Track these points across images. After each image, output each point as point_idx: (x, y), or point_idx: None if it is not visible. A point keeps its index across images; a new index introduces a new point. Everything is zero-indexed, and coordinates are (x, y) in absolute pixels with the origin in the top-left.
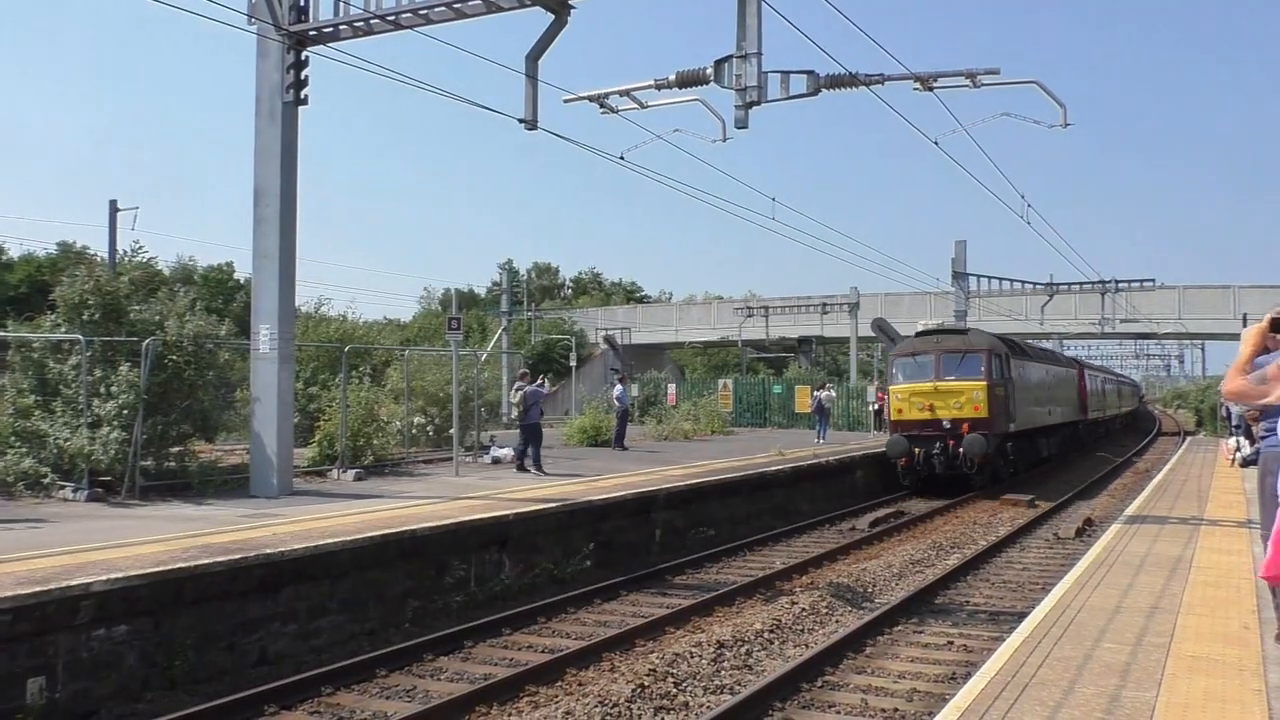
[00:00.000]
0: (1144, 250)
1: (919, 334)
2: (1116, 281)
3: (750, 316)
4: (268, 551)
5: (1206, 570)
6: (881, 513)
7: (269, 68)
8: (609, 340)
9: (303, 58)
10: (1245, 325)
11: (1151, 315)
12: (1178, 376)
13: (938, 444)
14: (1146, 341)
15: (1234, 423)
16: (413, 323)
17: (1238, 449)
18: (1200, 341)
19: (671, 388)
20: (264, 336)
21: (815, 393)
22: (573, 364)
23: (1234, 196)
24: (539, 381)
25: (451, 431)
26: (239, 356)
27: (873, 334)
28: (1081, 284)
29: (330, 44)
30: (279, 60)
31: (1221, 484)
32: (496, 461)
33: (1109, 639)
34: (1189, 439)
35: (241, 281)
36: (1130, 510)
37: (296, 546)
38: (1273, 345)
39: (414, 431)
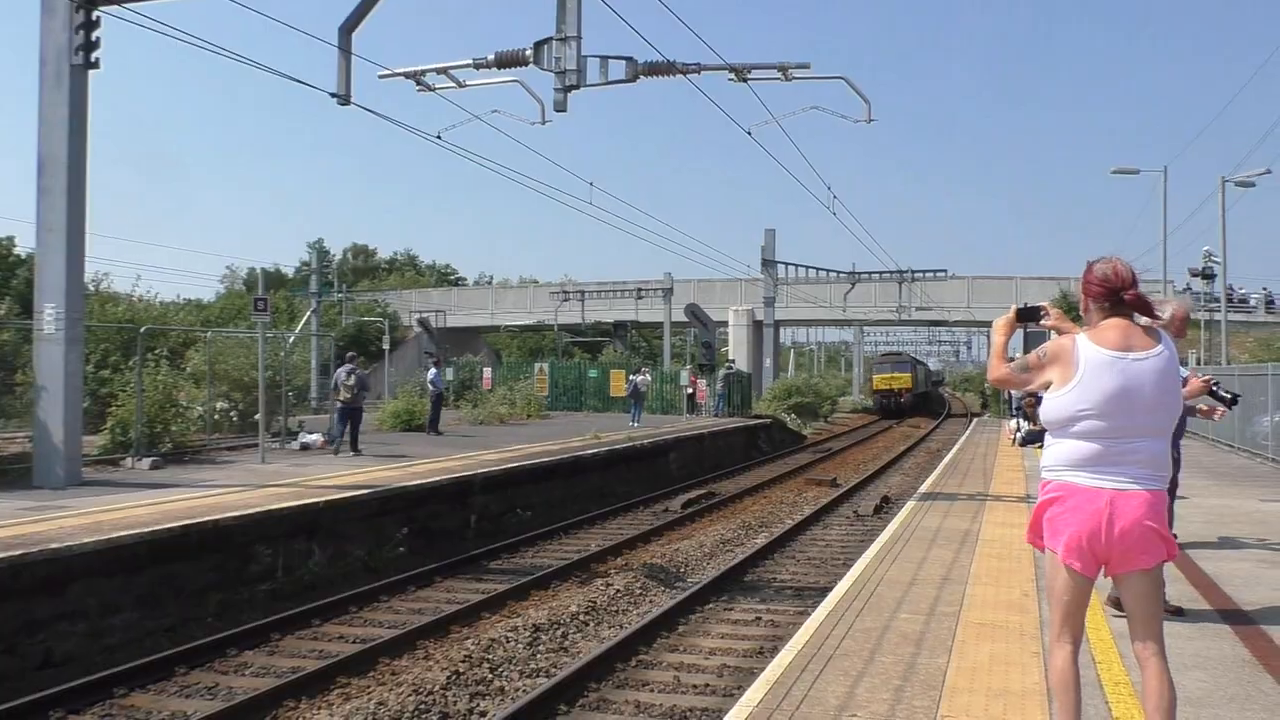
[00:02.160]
0: (937, 243)
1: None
2: (913, 271)
3: (566, 300)
4: (53, 546)
5: (991, 544)
6: (694, 494)
7: (56, 26)
8: (423, 323)
9: (94, 17)
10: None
11: (944, 304)
12: (966, 362)
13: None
14: (939, 328)
15: (1014, 406)
16: (215, 304)
17: (1017, 429)
18: (986, 329)
19: (487, 372)
20: (49, 316)
21: (631, 377)
22: (386, 347)
23: (1016, 195)
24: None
25: (257, 417)
26: (21, 337)
27: (686, 319)
28: (881, 273)
29: (125, 4)
30: (67, 19)
31: (1004, 462)
32: (306, 447)
33: (906, 609)
34: (975, 420)
35: (23, 256)
36: (924, 488)
37: (85, 540)
38: (1060, 330)
39: (217, 417)
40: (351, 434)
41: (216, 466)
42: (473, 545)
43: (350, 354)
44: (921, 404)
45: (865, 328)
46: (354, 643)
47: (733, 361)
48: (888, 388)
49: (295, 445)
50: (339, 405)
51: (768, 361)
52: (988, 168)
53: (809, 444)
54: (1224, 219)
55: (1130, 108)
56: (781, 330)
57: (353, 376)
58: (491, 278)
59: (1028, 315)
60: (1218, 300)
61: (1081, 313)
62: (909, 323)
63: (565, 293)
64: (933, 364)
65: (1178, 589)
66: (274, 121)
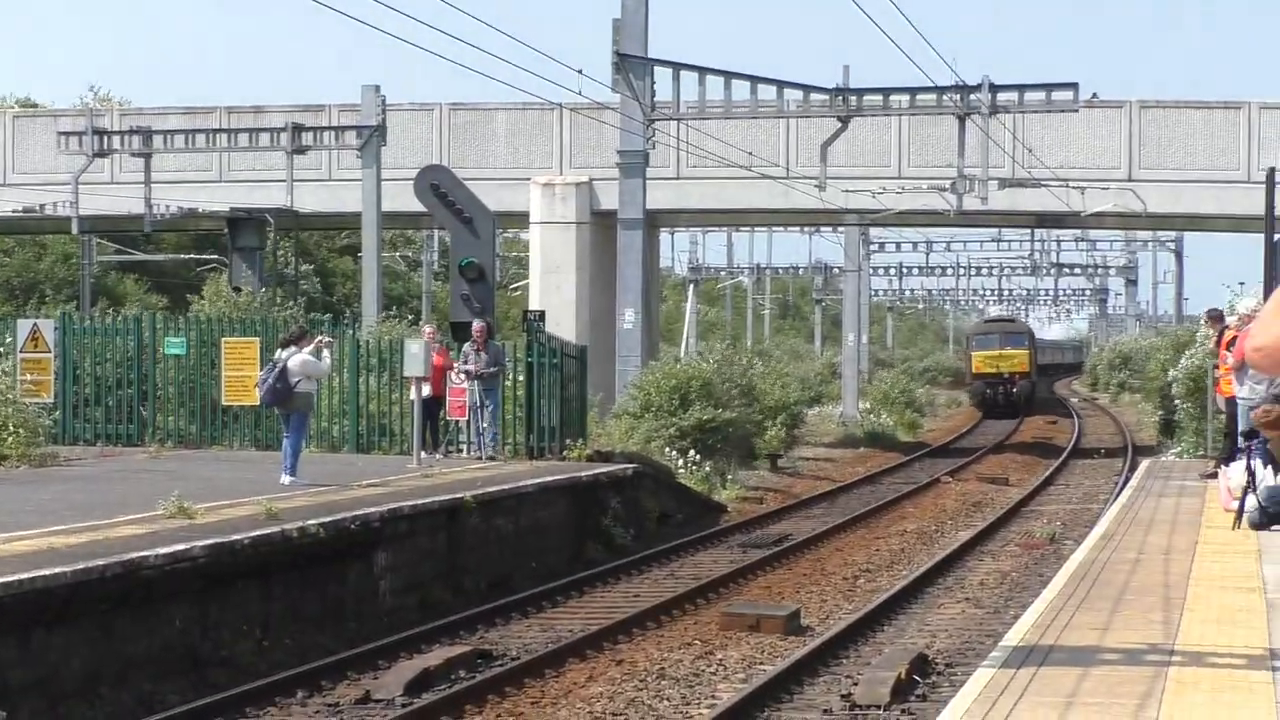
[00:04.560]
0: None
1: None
2: (994, 88)
3: (106, 156)
4: None
5: None
6: (435, 662)
7: None
8: None
9: None
10: None
11: (1073, 170)
12: (1121, 321)
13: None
14: (1057, 231)
15: (1241, 433)
16: None
17: (1248, 488)
18: (1178, 234)
19: None
20: None
21: (279, 354)
22: None
23: None
24: None
25: None
26: None
27: (425, 208)
28: (916, 92)
29: None
30: None
31: (1214, 568)
32: None
33: None
34: (1143, 463)
35: None
36: (1015, 633)
37: None
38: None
39: None
40: None
41: None
42: None
43: None
44: (1030, 399)
45: (871, 228)
46: None
47: (538, 317)
48: (993, 371)
49: None
50: None
51: (627, 319)
52: None
53: (736, 520)
54: None
55: None
56: (677, 243)
57: None
58: None
59: None
60: None
61: None
62: (980, 221)
63: (100, 135)
64: (1052, 332)
65: None
66: None
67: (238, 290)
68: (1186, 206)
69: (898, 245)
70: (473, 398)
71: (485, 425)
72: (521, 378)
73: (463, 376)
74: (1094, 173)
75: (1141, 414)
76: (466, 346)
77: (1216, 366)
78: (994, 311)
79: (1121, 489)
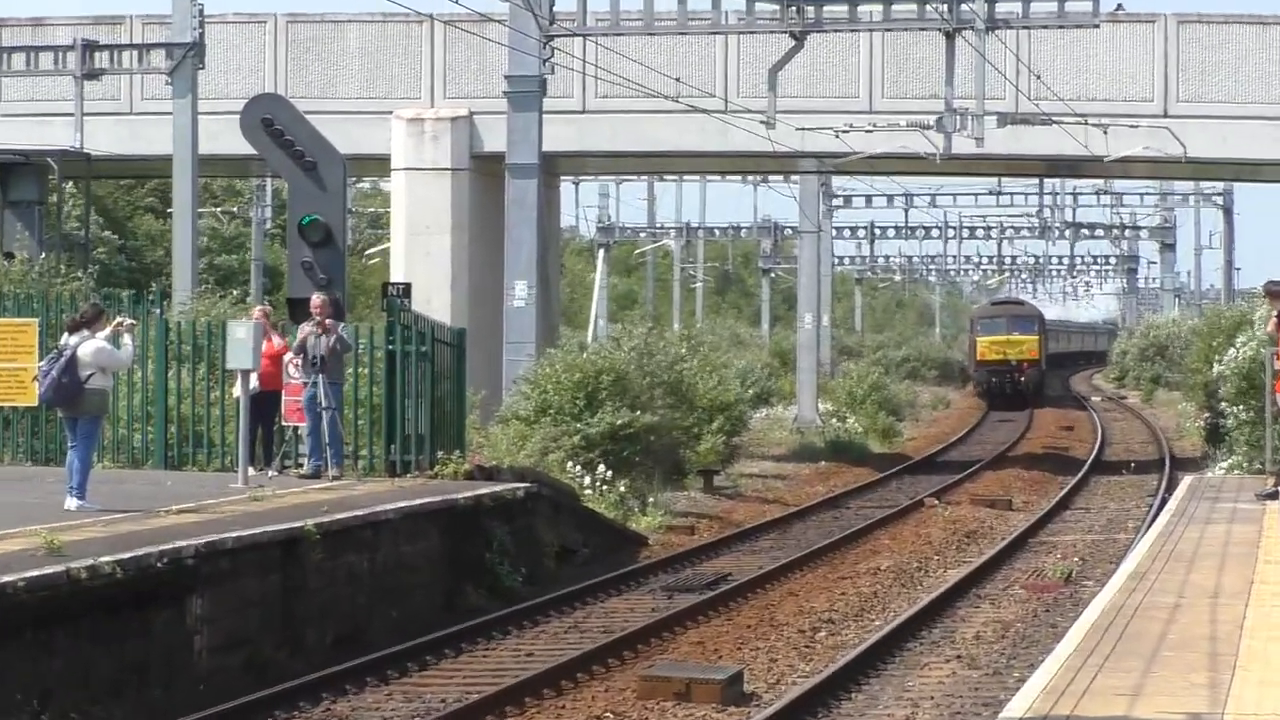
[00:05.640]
0: None
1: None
2: None
3: None
4: None
5: None
6: None
7: None
8: None
9: None
10: None
11: (1093, 103)
12: (1154, 297)
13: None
14: (1082, 182)
15: None
16: None
17: None
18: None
19: None
20: None
21: (67, 340)
22: None
23: None
24: None
25: None
26: None
27: (253, 149)
28: None
29: None
30: None
31: (1272, 614)
32: None
33: None
34: (1184, 480)
35: None
36: (1021, 702)
37: None
38: None
39: None
40: None
41: None
42: None
43: None
44: (1040, 389)
45: (834, 177)
46: None
47: (402, 292)
48: (1000, 358)
49: None
50: None
51: (518, 295)
52: None
53: (660, 556)
54: None
55: None
56: (584, 195)
57: None
58: None
59: None
60: None
61: None
62: (974, 168)
63: None
64: (1068, 313)
65: None
66: None
67: (9, 256)
68: (1237, 150)
69: (868, 200)
70: (321, 398)
71: (328, 433)
72: (380, 371)
73: (299, 367)
74: (1120, 106)
75: (1181, 417)
76: (305, 327)
77: (1277, 355)
78: (993, 283)
79: (1156, 514)
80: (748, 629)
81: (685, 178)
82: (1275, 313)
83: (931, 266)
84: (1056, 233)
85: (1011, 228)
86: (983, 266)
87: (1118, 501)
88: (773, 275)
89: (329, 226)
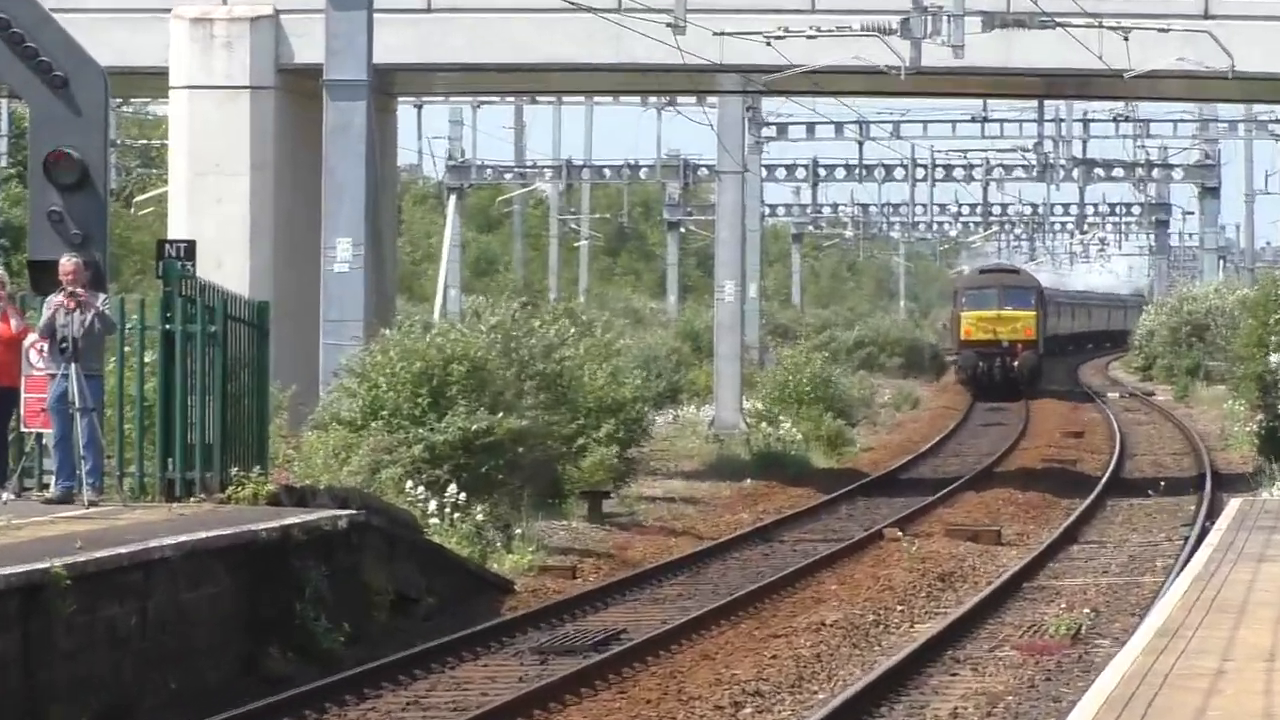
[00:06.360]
0: None
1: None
2: None
3: None
4: None
5: None
6: None
7: None
8: None
9: None
10: None
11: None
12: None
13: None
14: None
15: None
16: None
17: None
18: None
19: None
20: None
21: None
22: None
23: None
24: None
25: None
26: None
27: None
28: None
29: None
30: None
31: None
32: None
33: None
34: (1231, 504)
35: None
36: None
37: None
38: None
39: None
40: None
41: None
42: None
43: None
44: (1037, 376)
45: (764, 98)
46: None
47: (183, 253)
48: (989, 337)
49: None
50: None
51: (340, 256)
52: None
53: (530, 607)
54: None
55: None
56: (430, 123)
57: None
58: None
59: None
60: None
61: None
62: (950, 87)
63: None
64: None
65: None
66: None
67: None
68: None
69: (810, 129)
70: (74, 395)
71: (83, 443)
72: (154, 359)
73: (45, 355)
74: (1146, 4)
75: (1228, 419)
76: (53, 300)
77: None
78: (976, 241)
79: (1194, 549)
80: (647, 704)
81: (565, 99)
82: None
83: (894, 218)
84: (1061, 173)
85: (1001, 166)
86: (963, 218)
87: (1142, 533)
88: (682, 230)
89: (85, 164)
